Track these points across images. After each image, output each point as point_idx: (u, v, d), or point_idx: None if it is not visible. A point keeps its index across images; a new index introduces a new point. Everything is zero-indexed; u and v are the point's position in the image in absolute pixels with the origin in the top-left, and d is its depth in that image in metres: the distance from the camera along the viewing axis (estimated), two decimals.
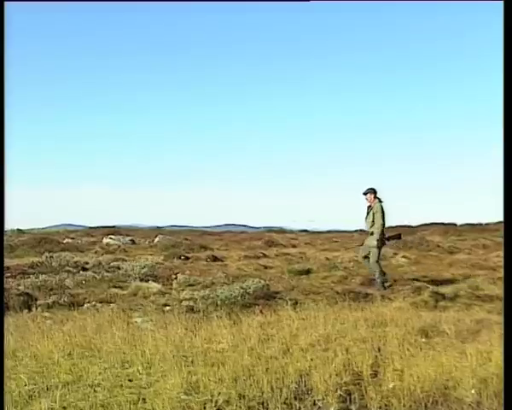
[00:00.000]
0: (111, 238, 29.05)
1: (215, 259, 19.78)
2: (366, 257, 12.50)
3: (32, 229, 42.03)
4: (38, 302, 10.22)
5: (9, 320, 8.55)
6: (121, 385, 5.19)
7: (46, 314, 9.35)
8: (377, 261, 12.34)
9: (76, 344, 6.65)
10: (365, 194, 12.47)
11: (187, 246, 25.40)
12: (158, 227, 52.38)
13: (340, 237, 32.67)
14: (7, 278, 13.11)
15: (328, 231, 40.64)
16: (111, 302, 10.60)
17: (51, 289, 11.70)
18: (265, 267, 17.22)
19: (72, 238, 31.33)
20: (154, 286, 12.50)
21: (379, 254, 12.41)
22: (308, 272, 15.20)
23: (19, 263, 16.51)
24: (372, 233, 12.25)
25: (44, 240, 25.42)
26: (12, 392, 5.01)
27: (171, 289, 12.47)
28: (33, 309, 9.79)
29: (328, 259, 18.94)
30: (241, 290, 10.18)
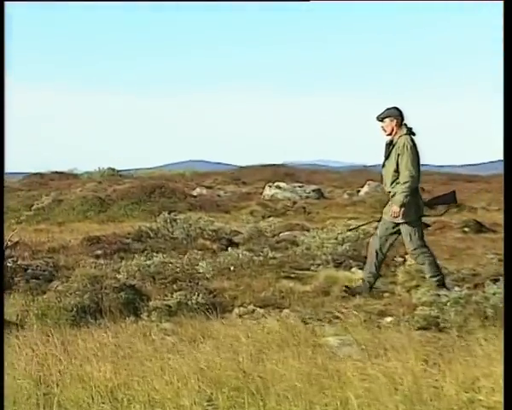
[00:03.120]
0: (279, 187, 29.76)
1: (480, 227, 19.56)
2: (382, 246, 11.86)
3: (138, 170, 44.26)
4: (152, 303, 10.71)
5: (102, 334, 9.00)
6: None
7: (166, 325, 9.78)
8: (420, 245, 11.74)
9: (222, 382, 6.87)
10: (381, 120, 11.65)
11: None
12: (365, 167, 52.74)
13: None
14: (96, 256, 13.86)
15: None
16: (282, 307, 10.87)
17: (174, 281, 12.20)
18: None
19: (209, 187, 32.52)
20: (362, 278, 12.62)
21: (419, 230, 11.79)
22: None
23: (116, 232, 17.40)
24: (395, 195, 11.42)
25: (159, 190, 26.55)
26: None
27: (393, 283, 12.54)
28: (143, 315, 10.28)
29: None
30: None
